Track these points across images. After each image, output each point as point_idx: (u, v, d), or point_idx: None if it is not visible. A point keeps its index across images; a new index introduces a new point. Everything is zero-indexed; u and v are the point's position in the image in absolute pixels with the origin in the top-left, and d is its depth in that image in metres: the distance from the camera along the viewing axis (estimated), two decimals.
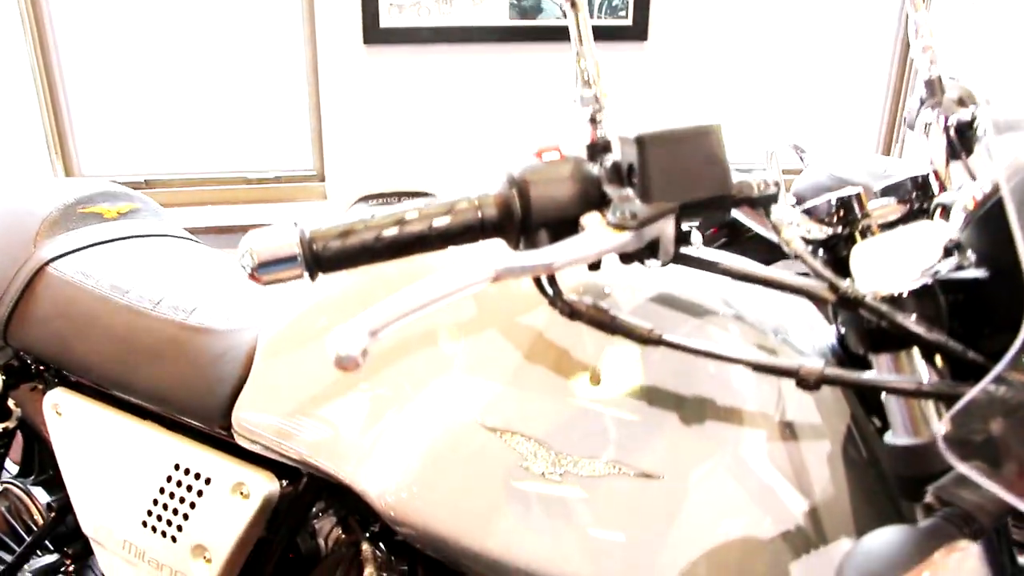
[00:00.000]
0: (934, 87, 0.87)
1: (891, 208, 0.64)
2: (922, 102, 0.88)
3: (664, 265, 0.56)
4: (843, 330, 0.62)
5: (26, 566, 1.17)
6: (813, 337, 0.70)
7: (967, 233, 0.53)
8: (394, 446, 0.69)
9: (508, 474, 0.64)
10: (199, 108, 2.44)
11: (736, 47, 2.56)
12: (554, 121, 2.46)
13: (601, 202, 0.54)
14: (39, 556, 1.19)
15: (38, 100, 2.31)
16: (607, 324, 0.56)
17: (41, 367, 1.11)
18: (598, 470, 0.62)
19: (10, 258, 1.10)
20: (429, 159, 2.48)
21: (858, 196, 0.62)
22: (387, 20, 2.29)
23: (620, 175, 0.54)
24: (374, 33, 2.30)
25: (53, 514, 1.17)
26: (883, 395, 0.58)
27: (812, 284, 0.55)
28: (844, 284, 0.54)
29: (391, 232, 0.52)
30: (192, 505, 0.89)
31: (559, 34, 2.38)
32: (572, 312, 0.57)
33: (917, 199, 0.69)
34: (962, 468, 0.42)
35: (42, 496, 1.20)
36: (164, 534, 0.92)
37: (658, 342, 0.56)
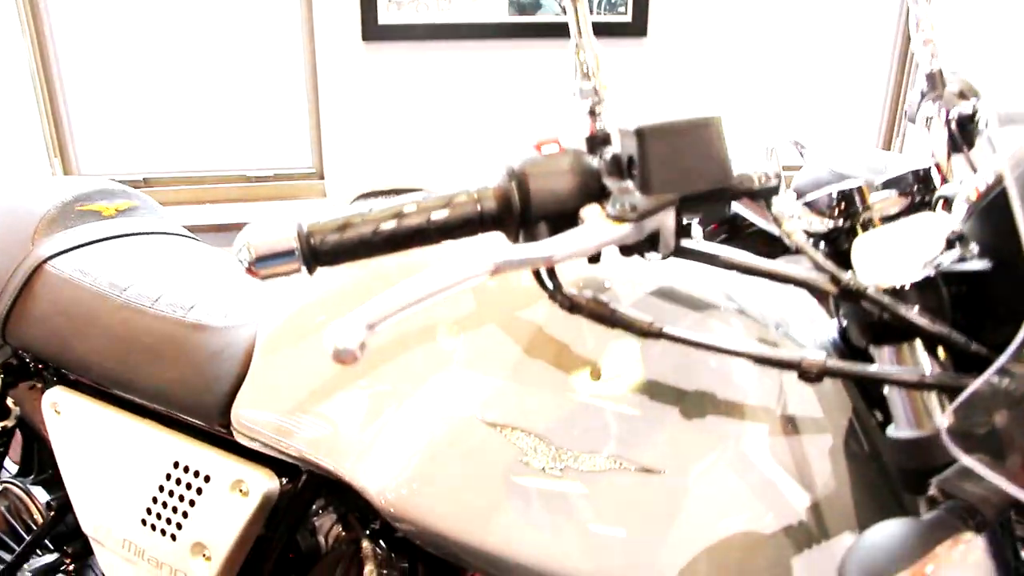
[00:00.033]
0: (935, 80, 0.86)
1: (892, 201, 0.64)
2: (923, 95, 0.88)
3: (664, 258, 0.55)
4: (845, 323, 0.61)
5: (26, 565, 1.17)
6: (814, 330, 0.69)
7: (970, 224, 0.53)
8: (393, 442, 0.69)
9: (508, 469, 0.63)
10: (198, 106, 2.44)
11: (736, 42, 2.56)
12: (554, 117, 2.45)
13: (601, 195, 0.54)
14: (39, 555, 1.19)
15: (36, 99, 2.31)
16: (607, 317, 0.56)
17: (40, 365, 1.10)
18: (599, 465, 0.62)
19: (8, 256, 1.10)
20: (429, 156, 2.47)
21: (859, 189, 0.62)
22: (386, 17, 2.28)
23: (620, 167, 0.54)
24: (373, 30, 2.30)
25: (52, 513, 1.16)
26: (885, 388, 0.58)
27: (814, 276, 0.55)
28: (846, 276, 0.53)
29: (389, 225, 0.52)
30: (191, 503, 0.89)
31: (558, 30, 2.37)
32: (572, 305, 0.56)
33: (919, 192, 0.69)
34: (966, 460, 0.42)
35: (41, 495, 1.20)
36: (164, 532, 0.91)
37: (659, 335, 0.56)
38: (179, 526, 0.90)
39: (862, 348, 0.61)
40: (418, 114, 2.43)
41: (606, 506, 0.61)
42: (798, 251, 0.57)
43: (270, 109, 2.47)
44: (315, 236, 0.51)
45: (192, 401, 0.89)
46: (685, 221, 0.55)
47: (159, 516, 0.92)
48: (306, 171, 2.53)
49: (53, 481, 1.20)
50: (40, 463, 1.25)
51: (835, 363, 0.52)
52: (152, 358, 0.94)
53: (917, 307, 0.53)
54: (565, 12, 0.60)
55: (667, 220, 0.53)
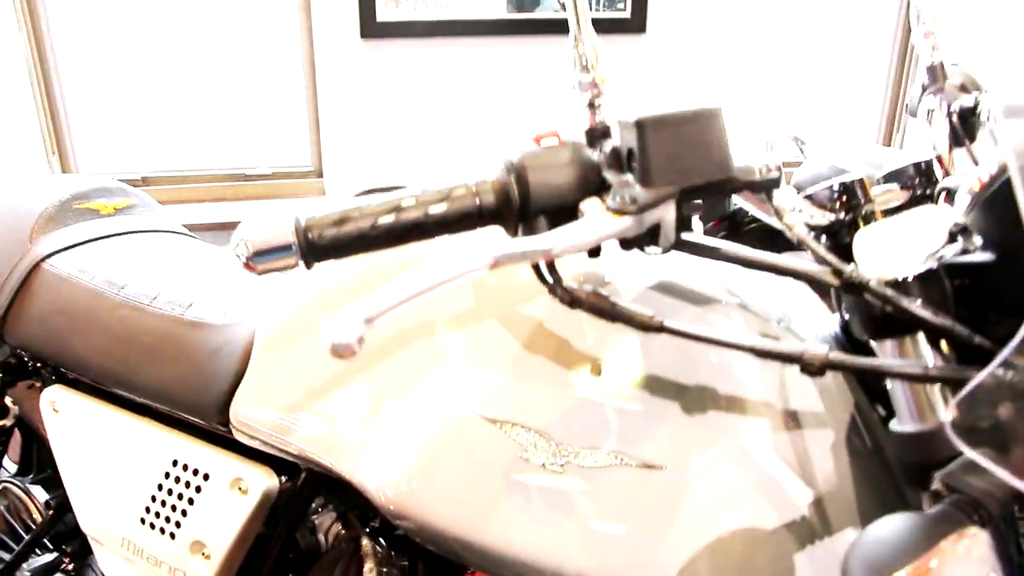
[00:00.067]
0: (936, 73, 0.86)
1: (894, 194, 0.64)
2: (924, 89, 0.87)
3: (665, 252, 0.55)
4: (847, 316, 0.61)
5: (25, 565, 1.16)
6: (816, 325, 0.69)
7: (973, 216, 0.52)
8: (393, 439, 0.68)
9: (508, 466, 0.63)
10: (196, 104, 2.43)
11: (735, 38, 2.55)
12: (553, 113, 2.44)
13: (601, 188, 0.53)
14: (38, 555, 1.19)
15: (34, 98, 2.30)
16: (608, 311, 0.56)
17: (38, 364, 1.10)
18: (599, 461, 0.61)
19: (6, 255, 1.10)
20: (428, 154, 2.47)
21: (861, 182, 0.61)
22: (384, 14, 2.28)
23: (619, 160, 0.53)
24: (371, 27, 2.29)
25: (51, 512, 1.16)
26: (888, 383, 0.57)
27: (816, 269, 0.55)
28: (848, 269, 0.53)
29: (387, 220, 0.51)
30: (190, 501, 0.89)
31: (557, 27, 2.36)
32: (572, 300, 0.56)
33: (920, 185, 0.69)
34: (970, 454, 0.41)
35: (40, 494, 1.20)
36: (162, 531, 0.91)
37: (659, 329, 0.55)
38: (178, 525, 0.90)
39: (864, 342, 0.61)
40: (417, 111, 2.42)
41: (607, 502, 0.61)
42: (799, 247, 0.57)
43: (269, 107, 2.47)
44: (313, 230, 0.50)
45: (191, 399, 0.89)
46: (685, 214, 0.55)
47: (158, 515, 0.91)
48: (305, 169, 2.53)
49: (52, 480, 1.20)
50: (39, 462, 1.25)
51: (837, 356, 0.51)
52: (150, 356, 0.94)
53: (920, 300, 0.53)
54: (564, 8, 0.59)
55: (667, 213, 0.52)
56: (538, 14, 2.35)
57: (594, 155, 0.54)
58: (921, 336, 0.54)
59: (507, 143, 0.55)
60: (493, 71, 2.41)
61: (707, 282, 0.68)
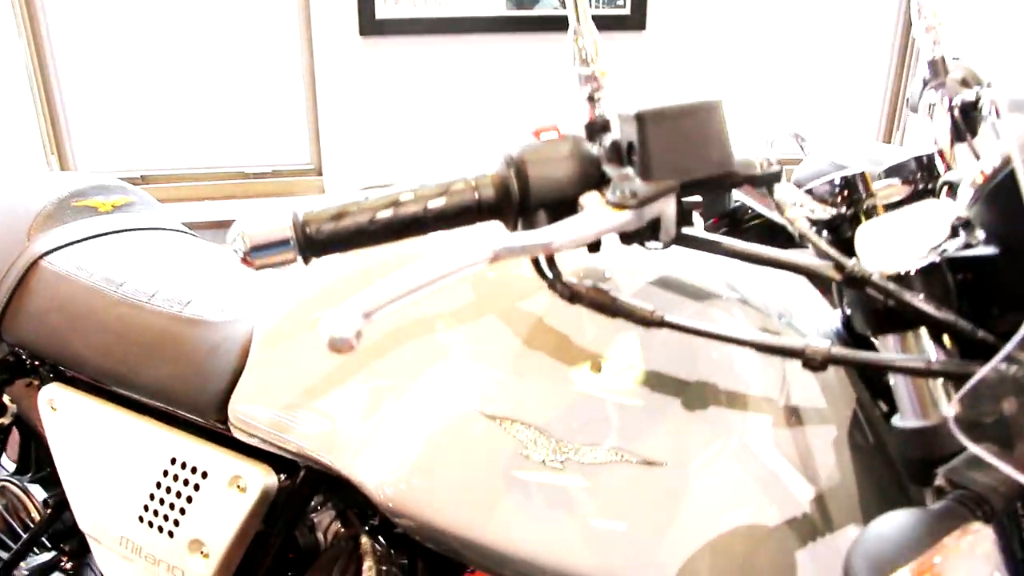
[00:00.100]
0: (937, 68, 0.85)
1: (896, 189, 0.63)
2: (925, 83, 0.87)
3: (666, 246, 0.54)
4: (849, 312, 0.61)
5: (23, 564, 1.16)
6: (817, 321, 0.69)
7: (976, 209, 0.52)
8: (392, 436, 0.68)
9: (508, 463, 0.62)
10: (195, 102, 2.43)
11: (735, 35, 2.55)
12: (553, 110, 2.44)
13: (600, 182, 0.53)
14: (36, 554, 1.18)
15: (33, 96, 2.30)
16: (608, 306, 0.55)
17: (36, 362, 1.10)
18: (600, 457, 0.61)
19: (3, 253, 1.09)
20: (428, 151, 2.46)
21: (862, 175, 0.61)
22: (383, 11, 2.27)
23: (619, 154, 0.53)
24: (370, 24, 2.28)
25: (50, 511, 1.16)
26: (890, 378, 0.57)
27: (817, 263, 0.54)
28: (850, 263, 0.52)
29: (385, 214, 0.51)
30: (189, 499, 0.88)
31: (557, 24, 2.36)
32: (572, 295, 0.55)
33: (922, 179, 0.68)
34: (975, 449, 0.41)
35: (39, 493, 1.19)
36: (161, 529, 0.91)
37: (660, 324, 0.55)
38: (176, 523, 0.89)
39: (866, 338, 0.60)
40: (417, 109, 2.41)
41: (607, 499, 0.60)
42: (800, 243, 0.56)
43: (268, 105, 2.46)
44: (310, 225, 0.50)
45: (189, 397, 0.89)
46: (686, 208, 0.54)
47: (156, 513, 0.91)
48: (304, 167, 2.53)
49: (50, 479, 1.19)
50: (37, 461, 1.24)
51: (840, 351, 0.51)
52: (149, 353, 0.94)
53: (922, 294, 0.53)
54: (564, 3, 0.59)
55: (668, 207, 0.52)
56: (537, 11, 2.34)
57: (594, 149, 0.54)
58: (923, 331, 0.54)
59: (506, 138, 0.54)
60: (493, 68, 2.41)
61: (708, 278, 0.68)
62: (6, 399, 1.16)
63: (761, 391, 0.62)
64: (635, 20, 2.40)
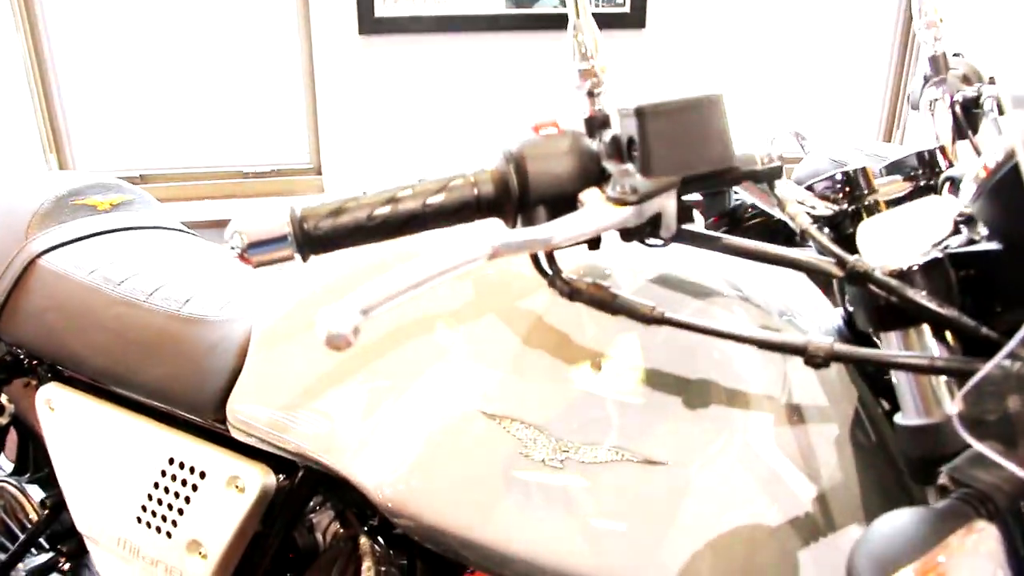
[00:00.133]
0: (939, 64, 0.85)
1: (897, 185, 0.63)
2: (926, 80, 0.86)
3: (666, 243, 0.54)
4: (850, 309, 0.60)
5: (20, 565, 1.16)
6: (818, 319, 0.68)
7: (979, 204, 0.51)
8: (391, 436, 0.68)
9: (508, 462, 0.62)
10: (194, 102, 2.42)
11: (735, 33, 2.54)
12: (553, 109, 2.43)
13: (600, 178, 0.52)
14: (33, 554, 1.18)
15: (31, 95, 2.29)
16: (608, 303, 0.55)
17: (34, 362, 1.09)
18: (600, 456, 0.60)
19: (1, 252, 1.09)
20: (428, 150, 2.46)
21: (864, 171, 0.61)
22: (382, 9, 2.27)
23: (619, 149, 0.52)
24: (369, 23, 2.28)
25: (47, 511, 1.15)
26: (893, 376, 0.56)
27: (819, 259, 0.54)
28: (852, 258, 0.52)
29: (384, 211, 0.51)
30: (187, 500, 0.88)
31: (556, 22, 2.36)
32: (572, 292, 0.55)
33: (924, 175, 0.68)
34: (979, 447, 0.40)
35: (36, 493, 1.19)
36: (159, 530, 0.90)
37: (661, 321, 0.55)
38: (174, 523, 0.89)
39: (867, 337, 0.60)
40: (416, 108, 2.41)
41: (608, 499, 0.60)
42: (801, 242, 0.56)
43: (267, 104, 2.46)
44: (308, 221, 0.50)
45: (187, 396, 0.88)
46: (686, 204, 0.54)
47: (154, 513, 0.90)
48: (304, 166, 2.52)
49: (48, 479, 1.19)
50: (35, 461, 1.24)
51: (842, 347, 0.51)
52: (147, 353, 0.93)
53: (925, 291, 0.52)
54: (564, 1, 0.58)
55: (668, 203, 0.51)
56: (537, 9, 2.34)
57: (594, 144, 0.54)
58: (926, 328, 0.53)
59: (506, 135, 0.54)
60: (492, 67, 2.40)
61: (708, 276, 0.67)
62: (4, 399, 1.16)
63: (762, 390, 0.61)
64: (635, 18, 2.40)
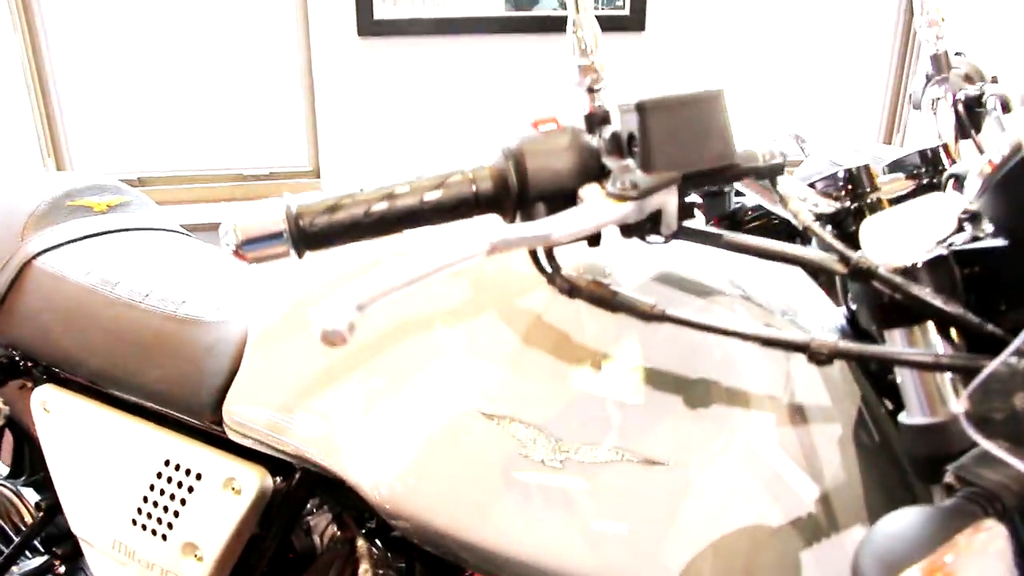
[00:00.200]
0: (940, 63, 0.85)
1: (900, 183, 0.63)
2: (928, 79, 0.86)
3: (667, 240, 0.53)
4: (854, 307, 0.60)
5: (15, 568, 1.15)
6: (820, 318, 0.68)
7: (984, 200, 0.51)
8: (388, 436, 0.67)
9: (507, 462, 0.61)
10: (193, 104, 2.42)
11: (735, 36, 2.54)
12: (552, 111, 2.43)
13: (600, 174, 0.52)
14: (28, 557, 1.17)
15: (29, 98, 2.29)
16: (608, 300, 0.54)
17: (29, 363, 1.08)
18: (600, 457, 0.60)
19: None
20: (426, 153, 2.45)
21: (866, 169, 0.60)
22: (381, 12, 2.27)
23: (620, 146, 0.52)
24: (368, 25, 2.28)
25: (42, 514, 1.14)
26: (897, 375, 0.56)
27: (822, 256, 0.53)
28: (856, 255, 0.51)
29: (380, 207, 0.50)
30: (183, 502, 0.87)
31: (556, 24, 2.35)
32: (572, 289, 0.54)
33: (927, 173, 0.67)
34: (987, 445, 0.40)
35: (32, 496, 1.18)
36: (154, 532, 0.89)
37: (661, 318, 0.54)
38: (170, 526, 0.88)
39: (871, 335, 0.59)
40: (415, 110, 2.41)
41: (608, 499, 0.59)
42: (803, 241, 0.55)
43: (265, 107, 2.45)
44: (304, 218, 0.49)
45: (183, 397, 0.87)
46: (687, 201, 0.53)
47: (150, 516, 0.90)
48: (302, 169, 2.52)
49: (44, 482, 1.18)
50: (31, 464, 1.23)
51: (846, 344, 0.50)
52: (143, 354, 0.93)
53: (929, 288, 0.52)
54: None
55: (669, 200, 0.51)
56: (536, 12, 2.34)
57: (593, 141, 0.53)
58: (930, 325, 0.53)
59: (505, 131, 0.53)
60: (492, 69, 2.40)
61: (710, 274, 0.67)
62: None
63: (764, 389, 0.61)
64: (634, 21, 2.40)
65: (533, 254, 0.56)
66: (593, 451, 0.60)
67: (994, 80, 0.82)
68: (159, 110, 2.41)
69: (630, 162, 0.51)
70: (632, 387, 0.61)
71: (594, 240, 0.54)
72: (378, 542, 0.83)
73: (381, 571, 0.81)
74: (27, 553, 1.18)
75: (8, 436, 1.22)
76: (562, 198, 0.51)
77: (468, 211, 0.52)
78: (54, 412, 1.00)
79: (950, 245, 0.53)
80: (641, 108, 0.49)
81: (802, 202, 0.57)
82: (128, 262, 1.05)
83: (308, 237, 0.49)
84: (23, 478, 1.22)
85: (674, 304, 0.62)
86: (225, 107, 2.43)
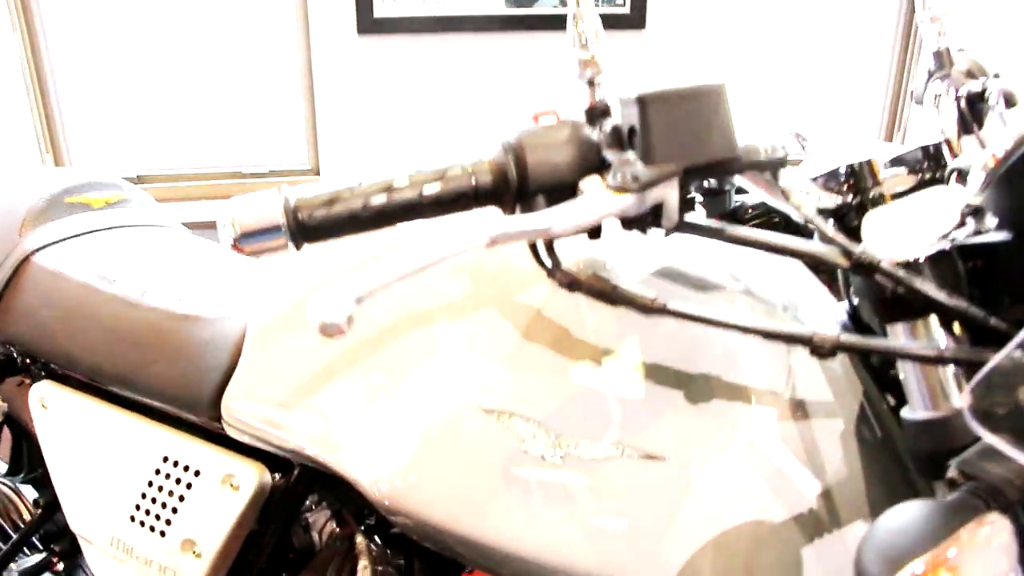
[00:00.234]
0: (942, 59, 0.84)
1: (902, 178, 0.62)
2: (930, 75, 0.86)
3: (668, 233, 0.53)
4: (856, 301, 0.59)
5: (13, 565, 1.14)
6: (822, 312, 0.67)
7: (987, 194, 0.51)
8: (387, 432, 0.67)
9: (507, 458, 0.61)
10: (192, 102, 2.41)
11: (735, 34, 2.54)
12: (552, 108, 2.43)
13: (601, 167, 0.52)
14: (26, 554, 1.17)
15: (28, 95, 2.28)
16: (608, 294, 0.54)
17: (27, 360, 1.08)
18: (600, 452, 0.59)
19: None
20: (426, 151, 2.45)
21: (869, 163, 0.60)
22: (381, 10, 2.26)
23: (620, 139, 0.51)
24: (368, 23, 2.27)
25: (40, 511, 1.14)
26: (900, 370, 0.55)
27: (824, 250, 0.53)
28: (858, 248, 0.51)
29: (379, 200, 0.50)
30: (181, 498, 0.87)
31: (556, 22, 2.35)
32: (571, 283, 0.54)
33: (929, 168, 0.67)
34: (989, 439, 0.40)
35: (30, 493, 1.18)
36: (153, 529, 0.89)
37: (662, 311, 0.54)
38: (168, 522, 0.88)
39: (873, 329, 0.59)
40: (415, 109, 2.40)
41: (608, 495, 0.59)
42: (804, 236, 0.55)
43: (265, 105, 2.45)
44: (302, 210, 0.49)
45: (182, 393, 0.87)
46: (688, 195, 0.53)
47: (148, 512, 0.89)
48: (302, 168, 2.51)
49: (42, 479, 1.18)
50: (29, 461, 1.23)
51: (848, 338, 0.50)
52: (141, 350, 0.92)
53: (932, 282, 0.51)
54: None
55: (670, 192, 0.50)
56: (536, 9, 2.33)
57: (594, 134, 0.53)
58: (933, 319, 0.53)
59: (504, 126, 0.53)
60: (492, 67, 2.40)
61: (711, 268, 0.67)
62: None
63: (766, 384, 0.60)
64: (635, 19, 2.39)
65: (533, 248, 0.55)
66: (593, 446, 0.60)
67: (996, 76, 0.81)
68: (159, 108, 2.40)
69: (631, 155, 0.50)
70: (632, 382, 0.61)
71: (594, 233, 0.54)
72: (377, 538, 0.82)
73: (380, 567, 0.81)
74: (25, 550, 1.18)
75: (6, 433, 1.22)
76: (562, 191, 0.51)
77: (467, 204, 0.51)
78: (52, 409, 1.00)
79: (953, 239, 0.52)
80: (642, 101, 0.49)
81: (805, 196, 0.57)
82: (126, 258, 1.04)
83: (306, 230, 0.49)
84: (21, 475, 1.22)
85: (675, 298, 0.61)
86: (225, 105, 2.43)
